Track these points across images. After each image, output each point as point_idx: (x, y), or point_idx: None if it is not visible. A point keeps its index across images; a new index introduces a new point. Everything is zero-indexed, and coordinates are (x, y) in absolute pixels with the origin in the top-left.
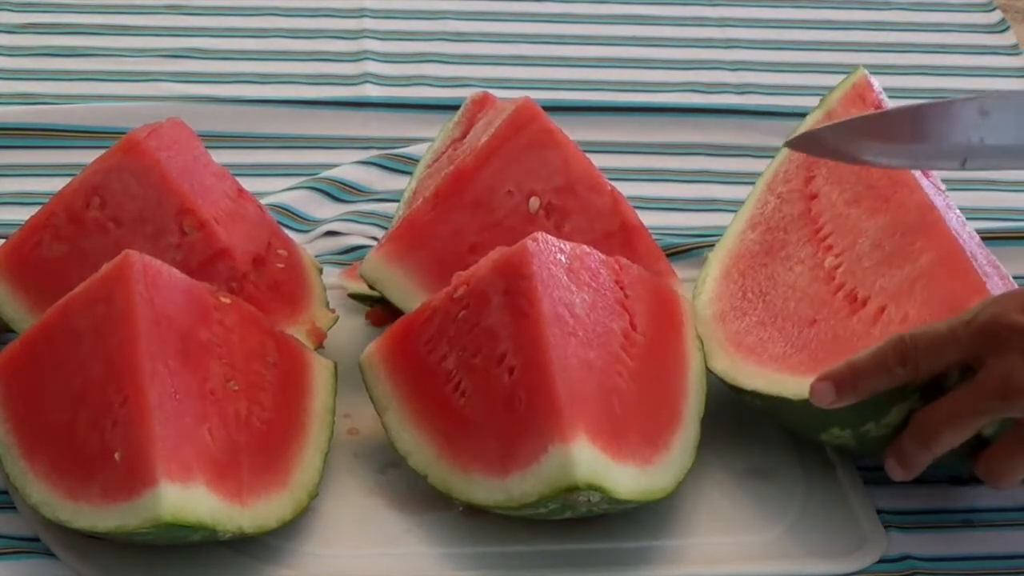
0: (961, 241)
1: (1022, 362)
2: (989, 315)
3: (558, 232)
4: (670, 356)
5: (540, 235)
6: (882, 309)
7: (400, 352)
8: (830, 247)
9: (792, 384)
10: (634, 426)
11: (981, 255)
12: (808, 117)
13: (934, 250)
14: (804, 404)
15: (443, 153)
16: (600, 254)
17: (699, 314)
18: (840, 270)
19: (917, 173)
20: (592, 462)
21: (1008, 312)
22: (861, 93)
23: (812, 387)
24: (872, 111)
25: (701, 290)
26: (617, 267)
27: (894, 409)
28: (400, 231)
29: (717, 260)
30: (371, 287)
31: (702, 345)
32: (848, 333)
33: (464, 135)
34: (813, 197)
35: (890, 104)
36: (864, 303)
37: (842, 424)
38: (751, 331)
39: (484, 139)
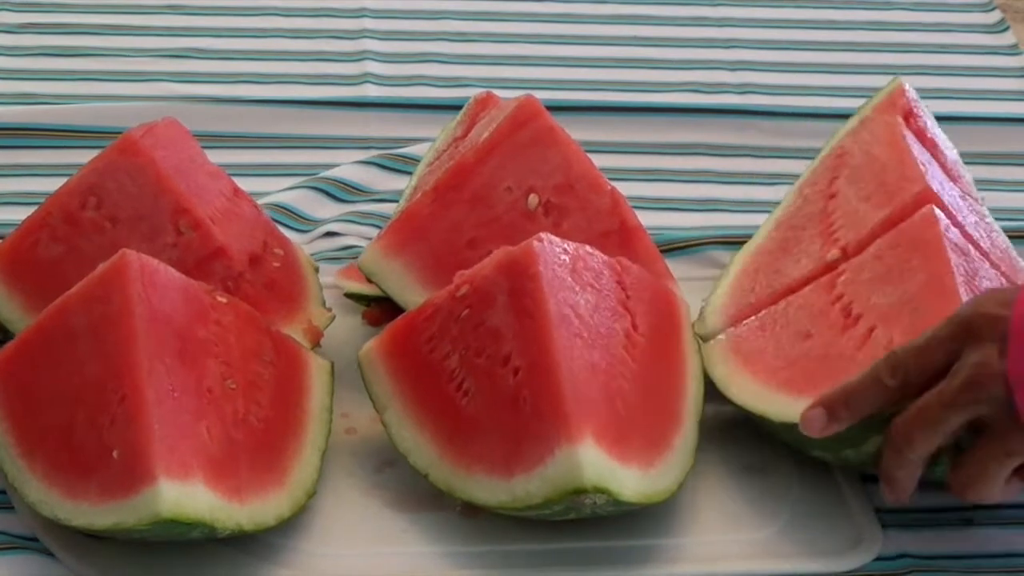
0: (954, 263)
1: (995, 352)
2: (967, 309)
3: (556, 230)
4: (670, 357)
5: (545, 235)
6: (871, 330)
7: (400, 350)
8: (837, 240)
9: (777, 404)
10: (637, 428)
11: (1004, 262)
12: (844, 126)
13: (926, 271)
14: (788, 427)
15: (444, 151)
16: (602, 254)
17: (712, 305)
18: (843, 279)
19: (938, 172)
20: (599, 465)
21: (985, 304)
22: (893, 99)
23: (803, 416)
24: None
25: (719, 284)
26: (619, 268)
27: (870, 440)
28: (399, 224)
29: (740, 257)
30: (368, 279)
31: (699, 346)
32: (836, 352)
33: (466, 134)
34: (832, 196)
35: (922, 109)
36: (856, 320)
37: (823, 448)
38: (750, 336)
39: (485, 135)
